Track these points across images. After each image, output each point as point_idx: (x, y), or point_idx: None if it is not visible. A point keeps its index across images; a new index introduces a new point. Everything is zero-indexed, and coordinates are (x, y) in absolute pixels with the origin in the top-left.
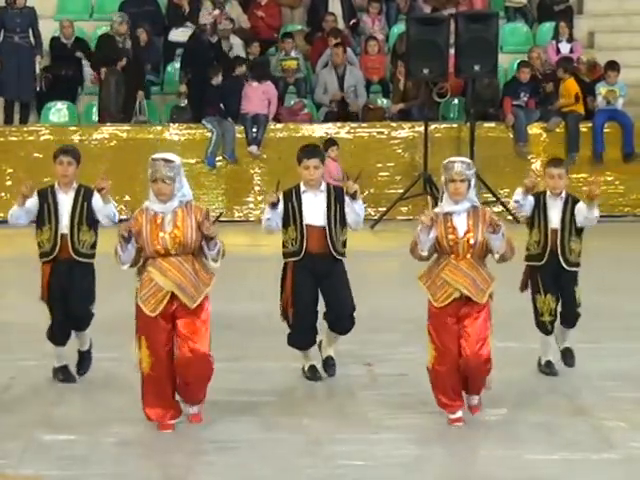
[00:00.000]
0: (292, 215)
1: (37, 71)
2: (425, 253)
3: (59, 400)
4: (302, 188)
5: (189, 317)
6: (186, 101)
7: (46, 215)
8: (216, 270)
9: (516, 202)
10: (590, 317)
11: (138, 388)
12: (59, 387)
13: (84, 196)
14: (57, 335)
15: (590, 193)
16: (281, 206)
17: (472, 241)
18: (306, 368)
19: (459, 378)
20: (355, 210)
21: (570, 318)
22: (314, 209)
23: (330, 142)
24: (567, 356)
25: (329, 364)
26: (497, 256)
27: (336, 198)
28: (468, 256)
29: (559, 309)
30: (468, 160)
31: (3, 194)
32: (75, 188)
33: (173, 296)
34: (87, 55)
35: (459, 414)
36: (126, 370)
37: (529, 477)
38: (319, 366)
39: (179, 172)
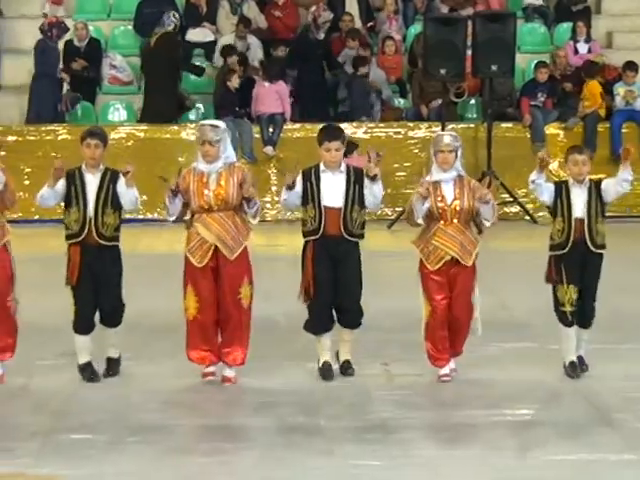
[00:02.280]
0: (310, 194)
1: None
2: (420, 220)
3: (76, 399)
4: (321, 167)
5: (229, 266)
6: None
7: (73, 196)
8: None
9: (532, 182)
10: (609, 318)
11: (156, 386)
12: (78, 386)
13: (110, 179)
14: (82, 323)
15: (626, 153)
16: (299, 186)
17: (459, 207)
18: (320, 364)
19: (447, 333)
20: (374, 192)
21: (587, 313)
22: (332, 190)
23: (351, 147)
24: (579, 363)
25: (346, 368)
26: (488, 223)
27: (355, 180)
28: (455, 221)
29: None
30: (455, 133)
31: (22, 193)
32: (102, 170)
33: (217, 248)
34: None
35: (447, 370)
36: (143, 368)
37: (546, 477)
38: (335, 366)
39: (224, 136)
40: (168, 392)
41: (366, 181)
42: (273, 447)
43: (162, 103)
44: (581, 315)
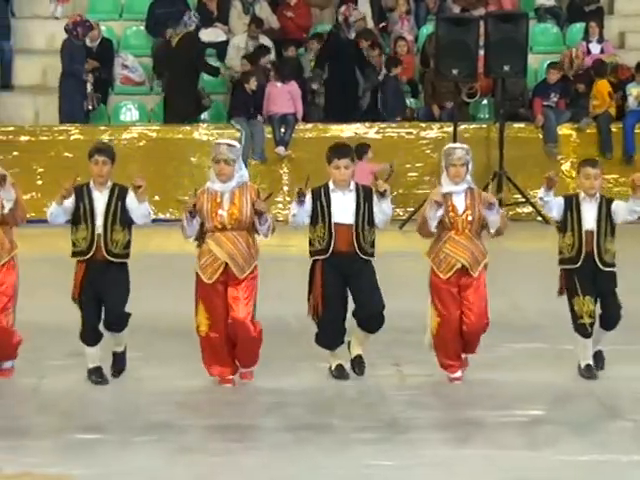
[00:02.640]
0: (320, 213)
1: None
2: (433, 229)
3: (87, 399)
4: (331, 187)
5: (236, 287)
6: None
7: (82, 213)
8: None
9: (540, 199)
10: (624, 319)
11: (166, 387)
12: (87, 387)
13: (118, 195)
14: (88, 336)
15: (635, 183)
16: (309, 203)
17: (470, 218)
18: (333, 367)
19: (460, 341)
20: (383, 209)
21: (611, 320)
22: (343, 208)
23: (364, 148)
24: (597, 359)
25: (358, 363)
26: (493, 231)
27: (365, 197)
28: (466, 231)
29: (598, 311)
30: (466, 146)
31: (34, 193)
32: (109, 187)
33: (227, 266)
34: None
35: (459, 374)
36: (153, 369)
37: (558, 478)
38: (347, 366)
39: (239, 155)
40: (178, 392)
41: (375, 198)
42: (284, 447)
43: (182, 103)
44: (605, 320)
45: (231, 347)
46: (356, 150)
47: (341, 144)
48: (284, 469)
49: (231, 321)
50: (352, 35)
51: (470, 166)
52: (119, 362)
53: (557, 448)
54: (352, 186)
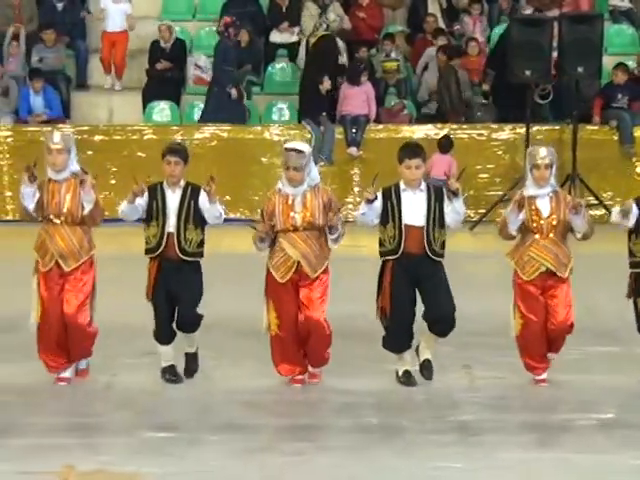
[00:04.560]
0: (391, 213)
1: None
2: (514, 233)
3: (160, 398)
4: (402, 187)
5: (309, 286)
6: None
7: (154, 212)
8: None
9: (618, 225)
10: None
11: (238, 386)
12: (160, 385)
13: (191, 195)
14: (162, 334)
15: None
16: (378, 202)
17: (555, 222)
18: (400, 373)
19: (544, 342)
20: (455, 209)
21: None
22: (413, 208)
23: (450, 142)
24: None
25: (426, 367)
26: (579, 235)
27: (436, 198)
28: (551, 235)
29: None
30: (551, 148)
31: (107, 192)
32: (182, 187)
33: (299, 265)
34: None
35: (544, 376)
36: (225, 369)
37: None
38: (414, 370)
39: (309, 160)
40: (250, 392)
41: (447, 198)
42: (354, 447)
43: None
44: None
45: (300, 346)
46: (442, 143)
47: (413, 144)
48: (354, 470)
49: (305, 320)
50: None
51: (554, 168)
52: (192, 363)
53: (630, 452)
54: (423, 186)
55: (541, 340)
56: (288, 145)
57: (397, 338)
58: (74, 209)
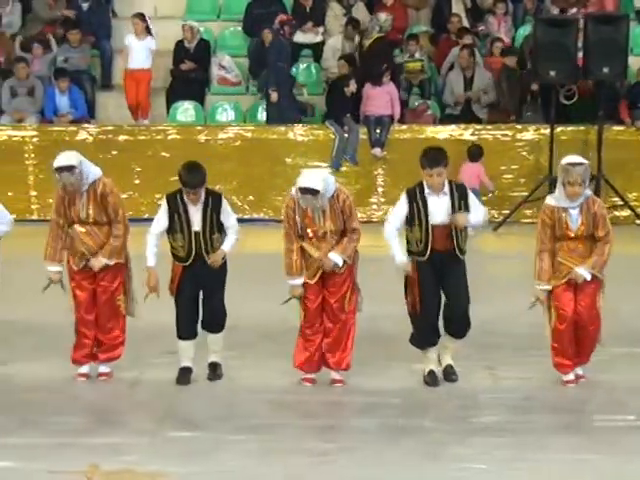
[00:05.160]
0: (417, 216)
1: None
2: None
3: (183, 397)
4: (426, 190)
5: (335, 286)
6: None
7: (177, 224)
8: None
9: None
10: None
11: (261, 386)
12: (183, 385)
13: (212, 207)
14: (184, 329)
15: None
16: (403, 208)
17: (584, 231)
18: (426, 372)
19: (574, 339)
20: (478, 216)
21: None
22: (439, 209)
23: (479, 150)
24: None
25: (449, 372)
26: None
27: (460, 197)
28: (580, 241)
29: None
30: (586, 162)
31: (131, 192)
32: (203, 200)
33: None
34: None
35: (571, 376)
36: (248, 369)
37: None
38: (438, 370)
39: (325, 191)
40: (273, 392)
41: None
42: (378, 448)
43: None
44: None
45: (320, 342)
46: (472, 152)
47: (434, 150)
48: (378, 470)
49: (331, 306)
50: None
51: (587, 182)
52: (215, 373)
53: None
54: (446, 188)
55: (570, 335)
56: (302, 184)
57: (424, 334)
58: (97, 215)
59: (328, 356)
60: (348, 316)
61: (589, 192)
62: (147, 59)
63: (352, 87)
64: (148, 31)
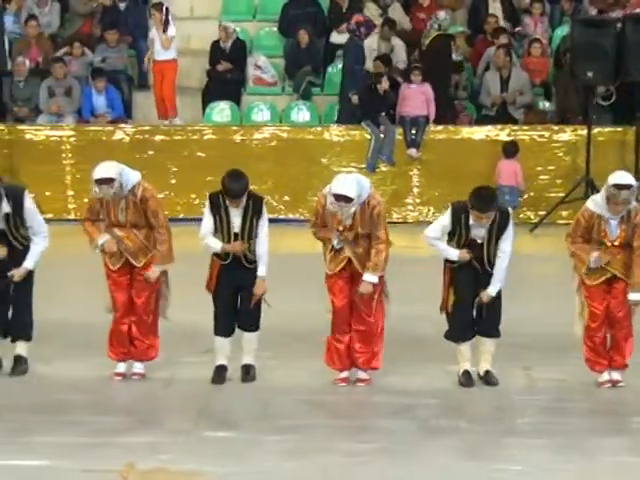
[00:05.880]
0: (458, 235)
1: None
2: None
3: (219, 397)
4: (470, 221)
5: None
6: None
7: (219, 225)
8: None
9: None
10: None
11: (296, 387)
12: (219, 384)
13: (253, 212)
14: (222, 326)
15: None
16: (447, 221)
17: (622, 241)
18: (460, 372)
19: (606, 338)
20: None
21: None
22: (478, 233)
23: (515, 147)
24: None
25: (489, 377)
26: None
27: (499, 224)
28: (617, 249)
29: None
30: (634, 184)
31: (167, 192)
32: (244, 204)
33: (350, 262)
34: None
35: (606, 377)
36: (283, 369)
37: None
38: (473, 370)
39: (358, 195)
40: (308, 392)
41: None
42: (413, 448)
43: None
44: None
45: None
46: (507, 149)
47: (486, 193)
48: (412, 471)
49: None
50: None
51: (634, 200)
52: (248, 375)
53: None
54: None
55: (602, 332)
56: (336, 191)
57: (459, 329)
58: (136, 219)
59: (357, 355)
60: (377, 317)
61: (634, 204)
62: (170, 50)
63: (385, 84)
64: (167, 22)
